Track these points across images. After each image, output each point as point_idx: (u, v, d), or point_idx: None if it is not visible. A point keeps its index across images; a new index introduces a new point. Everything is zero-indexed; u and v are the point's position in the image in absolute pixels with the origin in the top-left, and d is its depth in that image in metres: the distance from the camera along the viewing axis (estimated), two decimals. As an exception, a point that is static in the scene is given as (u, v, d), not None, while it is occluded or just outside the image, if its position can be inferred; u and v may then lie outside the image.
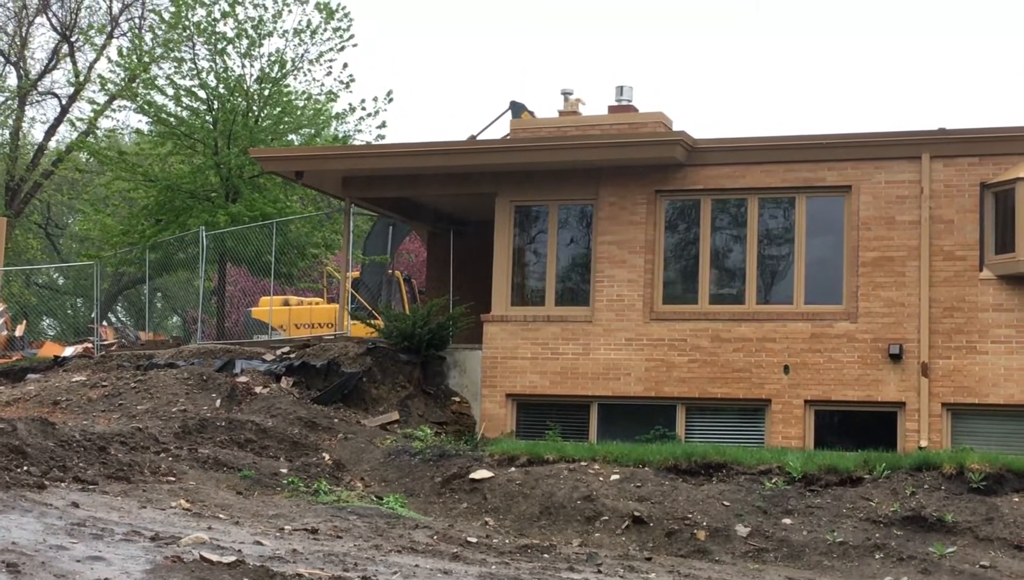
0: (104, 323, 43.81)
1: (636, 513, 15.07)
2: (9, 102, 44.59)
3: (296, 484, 15.51)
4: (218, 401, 19.76)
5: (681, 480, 16.04)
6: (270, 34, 30.77)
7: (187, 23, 30.59)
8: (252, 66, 30.71)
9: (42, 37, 78.91)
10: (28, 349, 30.85)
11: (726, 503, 15.28)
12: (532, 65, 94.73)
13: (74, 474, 13.39)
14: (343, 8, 31.37)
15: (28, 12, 43.94)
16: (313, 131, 31.88)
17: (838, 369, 19.69)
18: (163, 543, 9.94)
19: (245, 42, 30.43)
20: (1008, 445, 18.39)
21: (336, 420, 19.41)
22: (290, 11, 31.02)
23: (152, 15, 34.65)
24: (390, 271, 30.42)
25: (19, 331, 33.20)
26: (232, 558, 9.21)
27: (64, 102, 43.60)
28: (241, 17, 30.58)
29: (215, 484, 14.71)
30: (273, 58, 30.74)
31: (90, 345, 28.23)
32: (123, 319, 61.53)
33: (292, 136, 32.03)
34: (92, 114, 36.39)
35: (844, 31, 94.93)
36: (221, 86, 30.38)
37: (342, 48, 31.62)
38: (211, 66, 30.66)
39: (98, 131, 35.42)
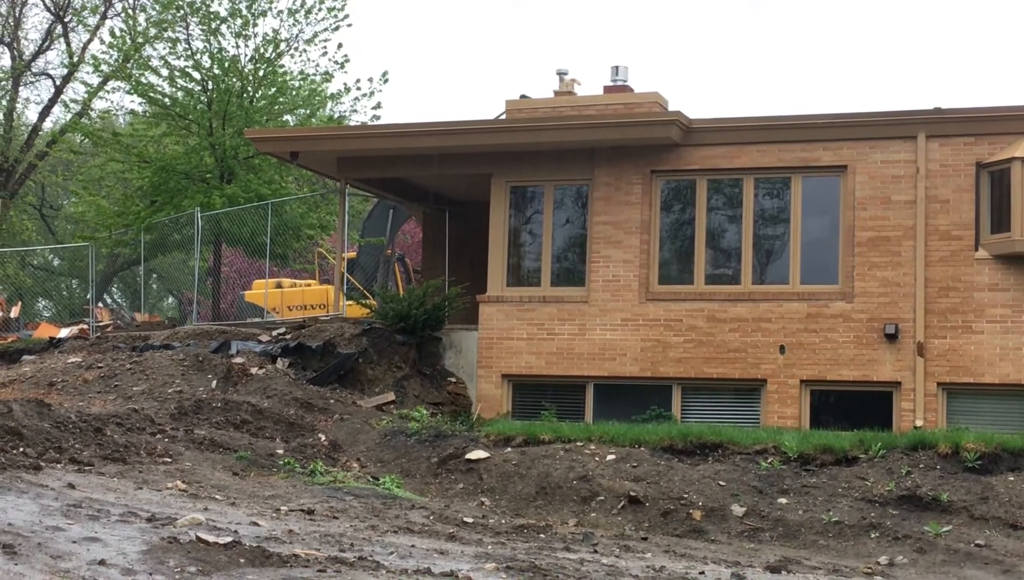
0: (99, 305, 43.74)
1: (632, 493, 15.08)
2: (3, 83, 44.42)
3: (292, 465, 15.50)
4: (214, 382, 19.74)
5: (677, 460, 16.04)
6: (264, 13, 30.68)
7: (180, 3, 30.48)
8: (246, 46, 30.66)
9: (36, 17, 78.76)
10: (23, 331, 30.82)
11: (722, 483, 15.30)
12: (529, 46, 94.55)
13: (70, 455, 13.38)
14: (337, -13, 31.29)
15: (22, -8, 43.77)
16: (308, 112, 31.80)
17: (834, 349, 19.70)
18: (159, 524, 9.95)
19: (239, 21, 30.34)
20: (1003, 424, 18.44)
21: (332, 401, 19.40)
22: (284, -10, 30.97)
23: (146, -5, 34.50)
24: (388, 252, 30.40)
25: (14, 313, 33.17)
26: (228, 539, 9.21)
27: (58, 83, 43.47)
28: (235, -4, 30.49)
29: (211, 465, 14.70)
30: (268, 38, 30.66)
31: (86, 327, 28.20)
32: (118, 301, 61.45)
33: (287, 117, 31.96)
34: (86, 95, 36.30)
35: (841, 10, 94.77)
36: (215, 66, 30.30)
37: (336, 28, 31.56)
38: (205, 46, 30.58)
39: (92, 112, 35.35)
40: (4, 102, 44.03)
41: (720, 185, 21.01)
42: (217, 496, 12.58)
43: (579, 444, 16.57)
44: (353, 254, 31.04)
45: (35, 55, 44.47)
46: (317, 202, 31.70)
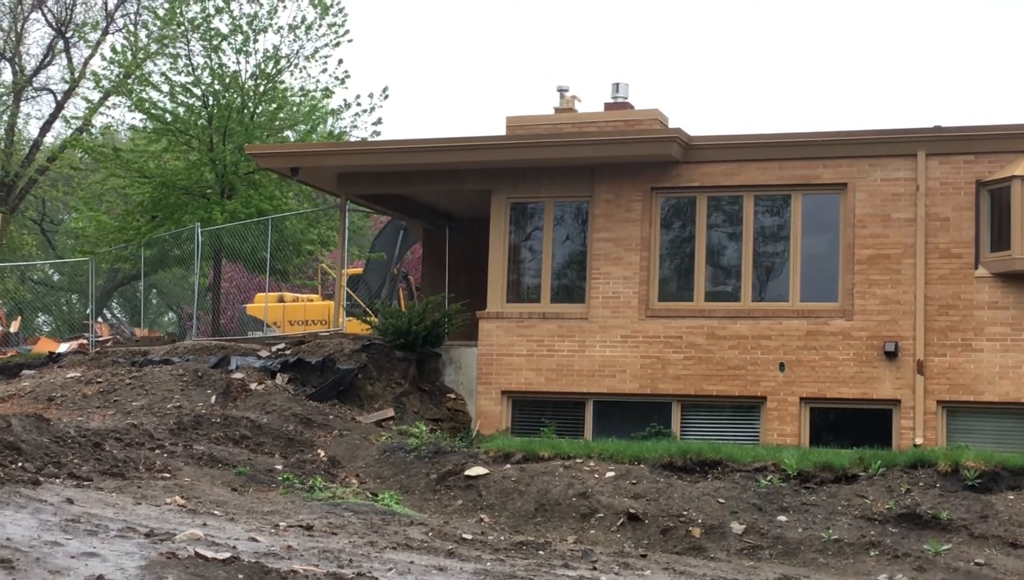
0: (99, 320, 43.73)
1: (631, 510, 15.06)
2: (4, 98, 44.50)
3: (291, 481, 15.49)
4: (213, 397, 19.74)
5: (676, 477, 16.03)
6: (265, 30, 30.76)
7: (182, 19, 30.56)
8: (247, 62, 30.72)
9: (37, 33, 78.74)
10: (23, 345, 30.82)
11: (721, 500, 15.28)
12: (529, 61, 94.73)
13: (69, 470, 13.37)
14: (338, 3, 31.38)
15: (23, 7, 43.86)
16: (308, 127, 31.84)
17: (833, 366, 19.69)
18: (158, 539, 9.93)
19: (240, 38, 30.41)
20: (1003, 442, 18.42)
21: (331, 417, 19.39)
22: (285, 7, 31.03)
23: (147, 11, 34.58)
24: (395, 270, 30.39)
25: (14, 327, 33.18)
26: (227, 555, 9.19)
27: (59, 98, 43.55)
28: (236, 13, 30.58)
29: (210, 480, 14.69)
30: (268, 54, 30.73)
31: (85, 341, 28.19)
32: (118, 316, 61.46)
33: (288, 132, 32.01)
34: (87, 111, 36.34)
35: (841, 28, 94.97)
36: (216, 82, 30.36)
37: (337, 44, 31.63)
38: (206, 62, 30.64)
39: (93, 128, 35.37)
40: (5, 117, 44.09)
41: (720, 202, 21.02)
42: (216, 511, 12.56)
43: (578, 461, 16.56)
44: (359, 270, 31.02)
45: (36, 70, 44.56)
46: (318, 218, 31.73)
